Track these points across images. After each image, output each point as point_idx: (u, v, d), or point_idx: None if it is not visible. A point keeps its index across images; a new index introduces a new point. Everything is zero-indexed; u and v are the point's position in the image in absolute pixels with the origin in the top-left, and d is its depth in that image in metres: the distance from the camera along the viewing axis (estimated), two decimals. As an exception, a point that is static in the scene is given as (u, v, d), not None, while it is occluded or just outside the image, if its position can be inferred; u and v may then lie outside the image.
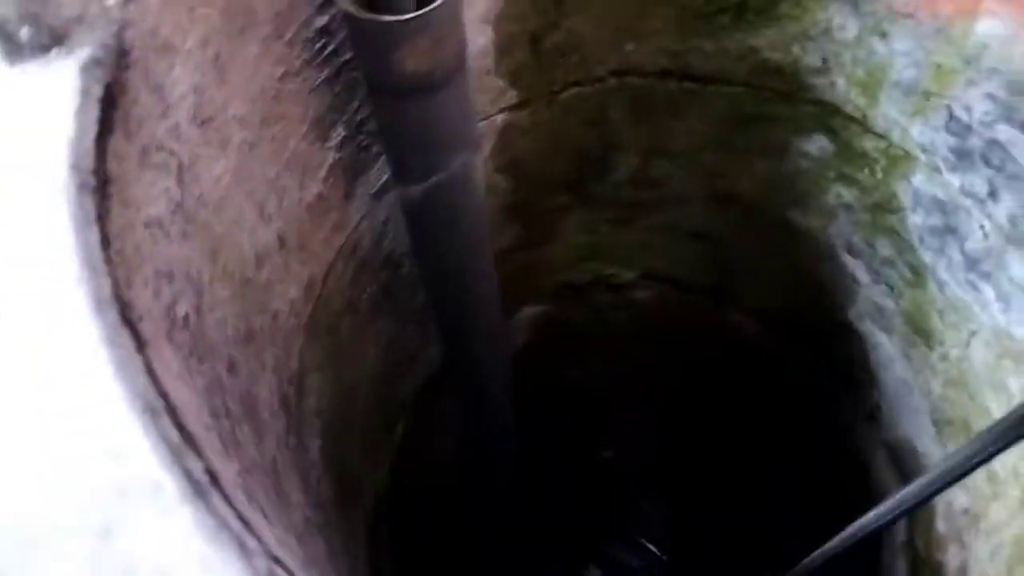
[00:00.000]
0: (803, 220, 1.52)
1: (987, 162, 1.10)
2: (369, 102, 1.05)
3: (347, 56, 1.03)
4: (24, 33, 0.60)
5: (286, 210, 1.03)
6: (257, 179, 0.94)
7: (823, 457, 1.83)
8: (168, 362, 0.54)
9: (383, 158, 1.18)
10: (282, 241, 1.01)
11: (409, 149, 1.04)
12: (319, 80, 1.02)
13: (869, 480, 1.65)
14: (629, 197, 1.73)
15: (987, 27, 1.03)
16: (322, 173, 1.11)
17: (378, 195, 1.27)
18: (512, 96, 1.42)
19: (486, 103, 1.39)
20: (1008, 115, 1.05)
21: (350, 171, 1.18)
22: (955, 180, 1.17)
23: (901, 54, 1.15)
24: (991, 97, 1.06)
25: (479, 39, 1.24)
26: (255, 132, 0.91)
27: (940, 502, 1.36)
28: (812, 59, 1.26)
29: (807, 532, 1.32)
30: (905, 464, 1.51)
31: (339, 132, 1.11)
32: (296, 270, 1.07)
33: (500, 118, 1.46)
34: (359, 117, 1.13)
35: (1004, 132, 1.06)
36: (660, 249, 1.85)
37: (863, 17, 1.17)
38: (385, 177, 1.24)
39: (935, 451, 1.40)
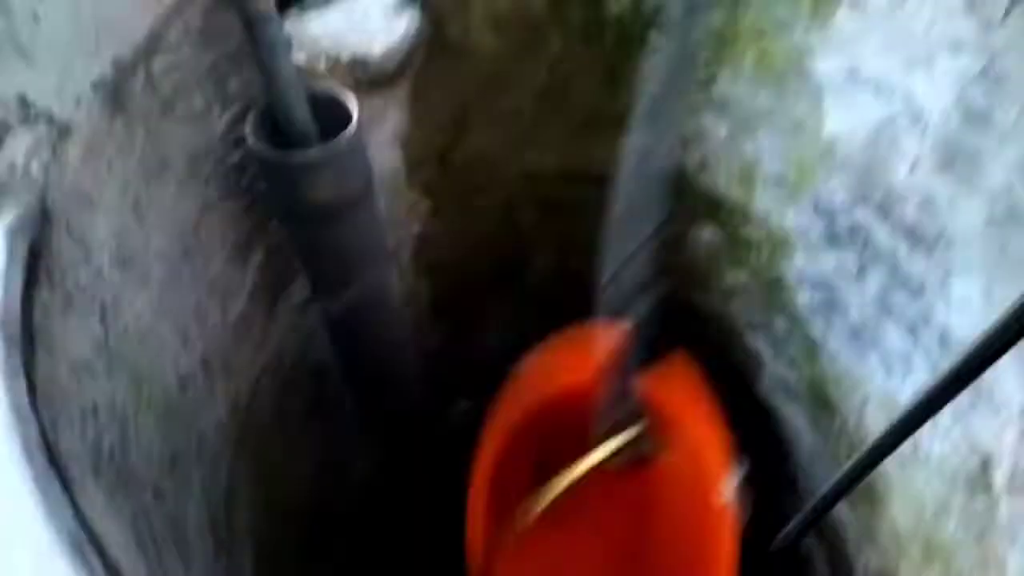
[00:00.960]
0: (705, 301, 1.62)
1: (853, 242, 1.23)
2: (283, 228, 1.11)
3: (262, 186, 1.09)
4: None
5: (209, 333, 1.07)
6: (179, 307, 0.98)
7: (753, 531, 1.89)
8: (93, 497, 0.58)
9: (303, 274, 1.24)
10: (206, 364, 1.05)
11: (324, 268, 1.10)
12: (237, 210, 1.08)
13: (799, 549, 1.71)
14: (549, 289, 1.82)
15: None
16: (244, 294, 1.16)
17: (301, 309, 1.32)
18: (426, 207, 1.51)
19: (402, 214, 1.48)
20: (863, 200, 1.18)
21: (271, 290, 1.23)
22: (830, 260, 1.30)
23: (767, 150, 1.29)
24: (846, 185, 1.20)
25: (389, 159, 1.33)
26: (176, 264, 0.96)
27: (858, 565, 1.43)
28: (693, 159, 1.40)
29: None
30: (826, 532, 1.58)
31: (258, 255, 1.17)
32: (221, 390, 1.10)
33: (417, 227, 1.54)
34: (278, 239, 1.18)
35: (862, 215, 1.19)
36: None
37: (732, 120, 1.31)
38: (307, 292, 1.29)
39: (850, 518, 1.47)
